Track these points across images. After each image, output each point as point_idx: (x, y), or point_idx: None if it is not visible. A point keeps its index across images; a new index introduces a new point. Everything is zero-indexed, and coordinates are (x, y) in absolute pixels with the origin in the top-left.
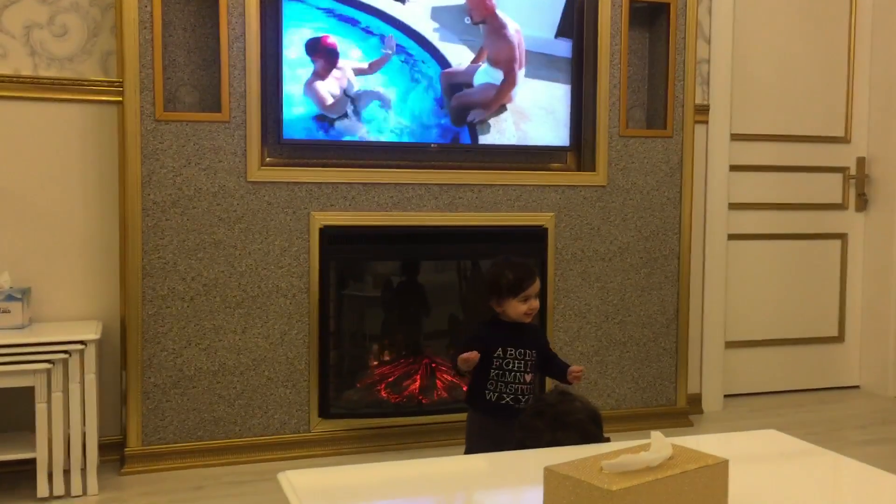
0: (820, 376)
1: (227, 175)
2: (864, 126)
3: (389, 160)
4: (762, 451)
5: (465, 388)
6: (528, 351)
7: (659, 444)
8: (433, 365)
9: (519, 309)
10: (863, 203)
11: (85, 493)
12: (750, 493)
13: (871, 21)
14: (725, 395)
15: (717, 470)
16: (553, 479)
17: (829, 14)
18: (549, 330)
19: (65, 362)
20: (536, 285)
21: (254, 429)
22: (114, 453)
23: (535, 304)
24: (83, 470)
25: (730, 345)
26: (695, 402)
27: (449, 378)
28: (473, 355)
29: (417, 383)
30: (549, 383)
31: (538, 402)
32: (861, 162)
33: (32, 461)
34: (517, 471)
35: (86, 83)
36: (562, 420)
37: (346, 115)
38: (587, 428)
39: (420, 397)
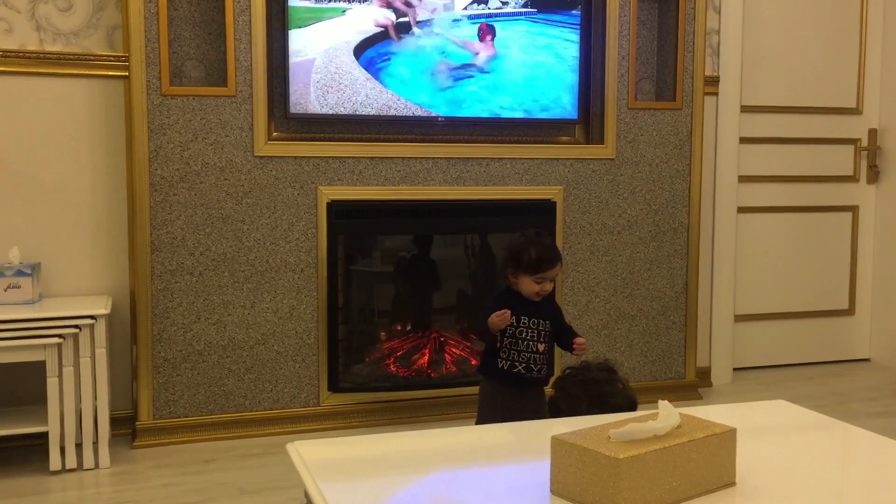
0: (830, 349)
1: (233, 150)
2: (877, 97)
3: (397, 134)
4: (771, 421)
5: (473, 362)
6: (541, 321)
7: (667, 413)
8: (442, 339)
9: (531, 287)
10: (874, 175)
11: (97, 466)
12: (758, 462)
13: None
14: (735, 369)
15: (726, 438)
16: (560, 448)
17: None
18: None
19: (75, 337)
20: (556, 270)
21: (264, 402)
22: (125, 427)
23: (549, 286)
24: (95, 443)
25: (739, 318)
26: (704, 375)
27: (457, 352)
28: (506, 313)
29: (426, 357)
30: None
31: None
32: (873, 133)
33: (45, 435)
34: (525, 440)
35: (92, 58)
36: (603, 400)
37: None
38: None
39: (429, 371)
